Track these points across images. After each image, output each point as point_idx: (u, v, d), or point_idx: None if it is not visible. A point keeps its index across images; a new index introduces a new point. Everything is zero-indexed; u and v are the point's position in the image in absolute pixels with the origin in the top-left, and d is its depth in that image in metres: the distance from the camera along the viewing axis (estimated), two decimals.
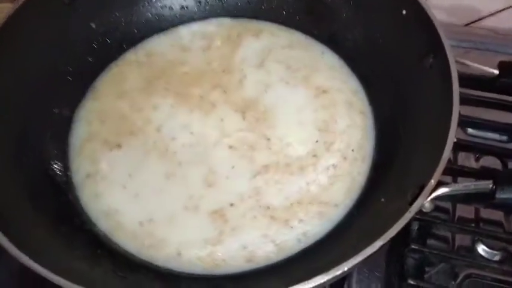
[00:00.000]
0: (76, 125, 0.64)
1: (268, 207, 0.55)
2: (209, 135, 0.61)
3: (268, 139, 0.60)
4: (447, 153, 0.43)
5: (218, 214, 0.55)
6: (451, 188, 0.43)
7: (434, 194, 0.43)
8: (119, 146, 0.61)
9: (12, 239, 0.43)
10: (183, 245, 0.54)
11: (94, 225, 0.56)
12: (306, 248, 0.53)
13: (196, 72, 0.67)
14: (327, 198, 0.56)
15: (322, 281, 0.37)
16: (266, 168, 0.58)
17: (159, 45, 0.71)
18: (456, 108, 0.45)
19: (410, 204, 0.42)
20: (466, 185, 0.44)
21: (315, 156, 0.59)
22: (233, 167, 0.58)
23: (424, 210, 0.42)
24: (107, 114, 0.64)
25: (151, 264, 0.53)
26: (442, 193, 0.43)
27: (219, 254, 0.53)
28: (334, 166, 0.58)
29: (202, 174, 0.58)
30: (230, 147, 0.60)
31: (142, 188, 0.58)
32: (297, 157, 0.59)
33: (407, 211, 0.40)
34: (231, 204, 0.56)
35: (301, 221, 0.54)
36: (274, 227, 0.54)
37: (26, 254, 0.42)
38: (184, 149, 0.60)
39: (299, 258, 0.52)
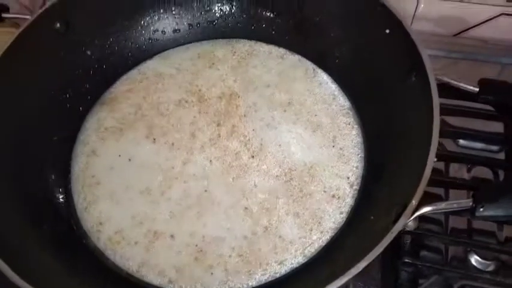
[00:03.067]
0: (76, 151, 0.65)
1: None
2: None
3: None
4: (428, 172, 0.44)
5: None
6: (434, 207, 0.44)
7: (417, 213, 0.43)
8: (126, 187, 0.62)
9: (15, 268, 0.44)
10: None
11: (100, 252, 0.58)
12: (294, 270, 0.54)
13: (193, 98, 0.68)
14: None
15: None
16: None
17: (154, 68, 0.72)
18: (436, 129, 0.45)
19: (395, 222, 0.43)
20: (448, 203, 0.45)
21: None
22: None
23: (407, 229, 0.43)
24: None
25: None
26: (425, 212, 0.44)
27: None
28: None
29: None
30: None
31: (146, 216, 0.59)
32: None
33: (389, 232, 0.41)
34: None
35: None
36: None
37: (29, 282, 0.44)
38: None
39: (287, 279, 0.53)
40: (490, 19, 0.79)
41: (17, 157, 0.59)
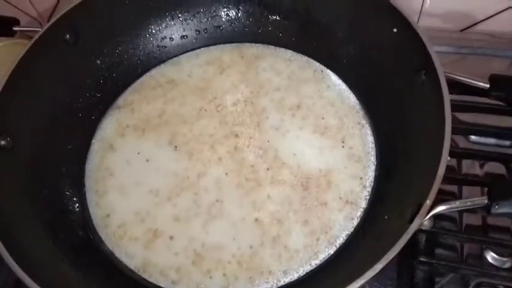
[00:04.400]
0: (89, 162, 0.66)
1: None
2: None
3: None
4: (441, 171, 0.43)
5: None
6: (448, 206, 0.44)
7: (431, 213, 0.43)
8: (137, 183, 0.63)
9: (33, 277, 0.45)
10: None
11: (118, 260, 0.58)
12: (315, 269, 0.54)
13: (211, 107, 0.69)
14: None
15: None
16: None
17: (165, 75, 0.73)
18: (449, 127, 0.45)
19: (410, 222, 0.43)
20: (462, 202, 0.45)
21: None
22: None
23: (423, 228, 0.43)
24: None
25: None
26: (440, 211, 0.44)
27: None
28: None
29: None
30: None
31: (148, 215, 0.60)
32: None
33: (405, 232, 0.41)
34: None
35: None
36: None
37: None
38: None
39: (308, 279, 0.53)
40: (497, 13, 0.78)
41: (32, 168, 0.60)
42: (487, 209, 0.43)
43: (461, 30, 0.82)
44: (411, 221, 0.43)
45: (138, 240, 0.59)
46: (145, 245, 0.58)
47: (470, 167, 0.66)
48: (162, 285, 0.56)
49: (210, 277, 0.55)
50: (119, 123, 0.69)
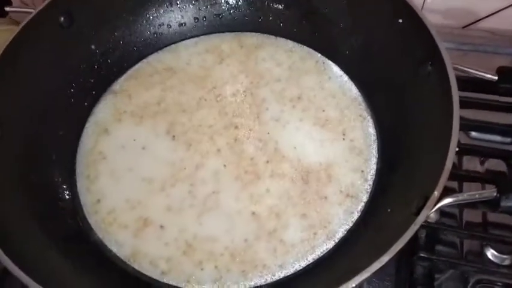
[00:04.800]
0: (81, 146, 0.64)
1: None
2: None
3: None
4: (449, 163, 0.43)
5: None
6: (455, 198, 0.43)
7: (438, 205, 0.43)
8: (130, 169, 0.62)
9: (20, 264, 0.43)
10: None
11: (107, 249, 0.57)
12: (312, 263, 0.53)
13: (211, 97, 0.67)
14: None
15: None
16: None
17: (163, 62, 0.71)
18: (457, 118, 0.45)
19: (416, 215, 0.42)
20: (470, 194, 0.44)
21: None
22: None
23: (429, 220, 0.42)
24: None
25: (169, 286, 0.54)
26: (447, 203, 0.43)
27: None
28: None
29: None
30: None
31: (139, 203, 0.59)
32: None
33: (412, 223, 0.40)
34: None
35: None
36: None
37: (35, 279, 0.42)
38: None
39: (305, 274, 0.52)
40: (499, 10, 0.78)
41: (22, 150, 0.58)
42: (495, 201, 0.42)
43: (464, 27, 0.81)
44: (417, 213, 0.42)
45: (128, 228, 0.57)
46: (135, 233, 0.57)
47: (471, 163, 0.65)
48: (152, 275, 0.54)
49: (202, 269, 0.54)
50: (115, 108, 0.67)
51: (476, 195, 0.44)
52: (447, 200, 0.43)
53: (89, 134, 0.65)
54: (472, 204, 0.55)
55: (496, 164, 0.64)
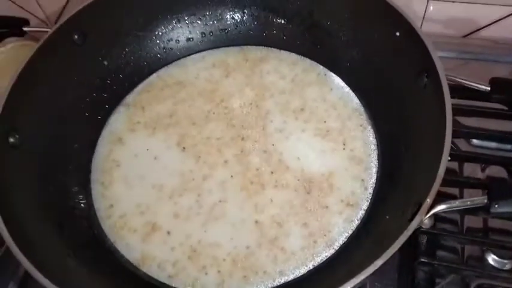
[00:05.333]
0: (96, 155, 0.67)
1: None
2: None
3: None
4: (442, 171, 0.44)
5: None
6: (448, 205, 0.45)
7: (432, 211, 0.44)
8: (142, 177, 0.64)
9: (43, 271, 0.46)
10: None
11: (119, 253, 0.59)
12: (312, 270, 0.55)
13: (219, 110, 0.70)
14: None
15: None
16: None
17: (173, 77, 0.74)
18: (449, 128, 0.46)
19: (410, 221, 0.43)
20: (462, 201, 0.45)
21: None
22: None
23: (424, 227, 0.44)
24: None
25: None
26: (440, 210, 0.45)
27: None
28: None
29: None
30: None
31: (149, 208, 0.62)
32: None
33: (405, 229, 0.41)
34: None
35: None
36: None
37: (57, 284, 0.45)
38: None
39: (305, 280, 0.54)
40: (500, 19, 0.79)
41: (39, 166, 0.60)
42: (486, 208, 0.44)
43: (464, 36, 0.82)
44: (411, 219, 0.43)
45: (137, 232, 0.60)
46: (143, 238, 0.59)
47: (472, 170, 0.66)
48: (160, 279, 0.57)
49: (206, 273, 0.56)
50: (129, 119, 0.70)
51: (468, 202, 0.45)
52: (440, 207, 0.45)
53: (104, 143, 0.68)
54: (469, 210, 0.56)
55: (497, 171, 0.65)
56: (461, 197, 0.63)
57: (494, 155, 0.66)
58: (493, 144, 0.67)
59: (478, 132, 0.68)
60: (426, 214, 0.43)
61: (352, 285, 0.40)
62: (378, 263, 0.40)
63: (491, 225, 0.61)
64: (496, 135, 0.67)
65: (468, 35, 0.82)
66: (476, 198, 0.45)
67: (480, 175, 0.66)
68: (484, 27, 0.80)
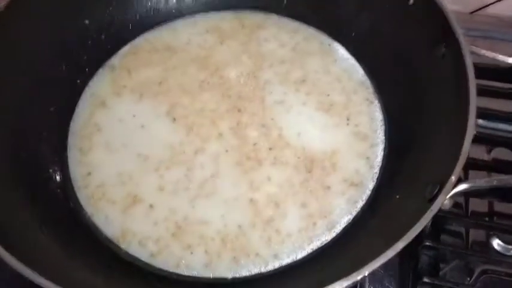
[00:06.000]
0: (75, 118, 0.62)
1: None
2: None
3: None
4: (466, 147, 0.41)
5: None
6: (472, 184, 0.41)
7: (454, 191, 0.41)
8: (125, 144, 0.60)
9: (12, 250, 0.41)
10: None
11: (97, 230, 0.55)
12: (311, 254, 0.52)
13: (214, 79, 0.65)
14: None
15: (342, 286, 0.35)
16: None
17: (162, 40, 0.69)
18: (473, 99, 0.43)
19: (430, 201, 0.40)
20: (488, 180, 0.42)
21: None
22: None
23: (442, 208, 0.41)
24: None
25: (160, 271, 0.52)
26: (463, 189, 0.42)
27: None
28: None
29: None
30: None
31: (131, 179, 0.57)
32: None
33: (428, 210, 0.38)
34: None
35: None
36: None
37: (27, 265, 0.40)
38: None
39: (303, 265, 0.51)
40: None
41: (10, 132, 0.55)
42: None
43: (471, 13, 0.80)
44: (432, 199, 0.40)
45: (116, 204, 0.56)
46: (123, 210, 0.55)
47: (477, 152, 0.64)
48: (141, 257, 0.53)
49: (191, 252, 0.52)
50: (114, 82, 0.65)
51: (495, 182, 0.42)
52: (464, 186, 0.42)
53: (84, 106, 0.63)
54: (483, 194, 0.54)
55: (503, 153, 0.63)
56: (466, 178, 0.61)
57: (501, 136, 0.63)
58: (500, 125, 0.65)
59: (485, 112, 0.65)
60: (449, 193, 0.39)
61: (370, 269, 0.36)
62: (399, 245, 0.37)
63: (497, 209, 0.59)
64: (503, 115, 0.65)
65: (475, 11, 0.80)
66: (505, 176, 0.41)
67: (485, 157, 0.63)
68: (490, 3, 0.79)
